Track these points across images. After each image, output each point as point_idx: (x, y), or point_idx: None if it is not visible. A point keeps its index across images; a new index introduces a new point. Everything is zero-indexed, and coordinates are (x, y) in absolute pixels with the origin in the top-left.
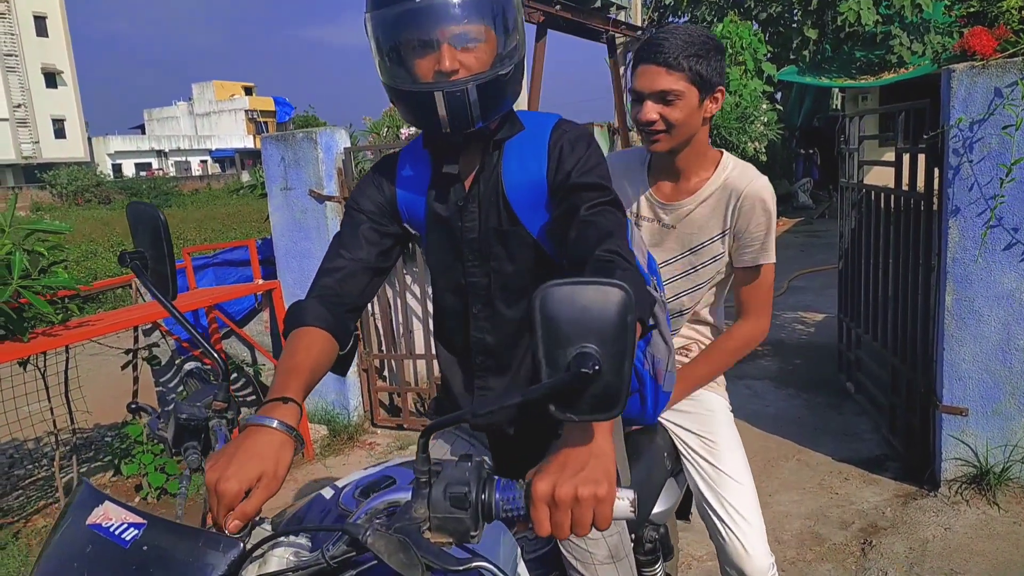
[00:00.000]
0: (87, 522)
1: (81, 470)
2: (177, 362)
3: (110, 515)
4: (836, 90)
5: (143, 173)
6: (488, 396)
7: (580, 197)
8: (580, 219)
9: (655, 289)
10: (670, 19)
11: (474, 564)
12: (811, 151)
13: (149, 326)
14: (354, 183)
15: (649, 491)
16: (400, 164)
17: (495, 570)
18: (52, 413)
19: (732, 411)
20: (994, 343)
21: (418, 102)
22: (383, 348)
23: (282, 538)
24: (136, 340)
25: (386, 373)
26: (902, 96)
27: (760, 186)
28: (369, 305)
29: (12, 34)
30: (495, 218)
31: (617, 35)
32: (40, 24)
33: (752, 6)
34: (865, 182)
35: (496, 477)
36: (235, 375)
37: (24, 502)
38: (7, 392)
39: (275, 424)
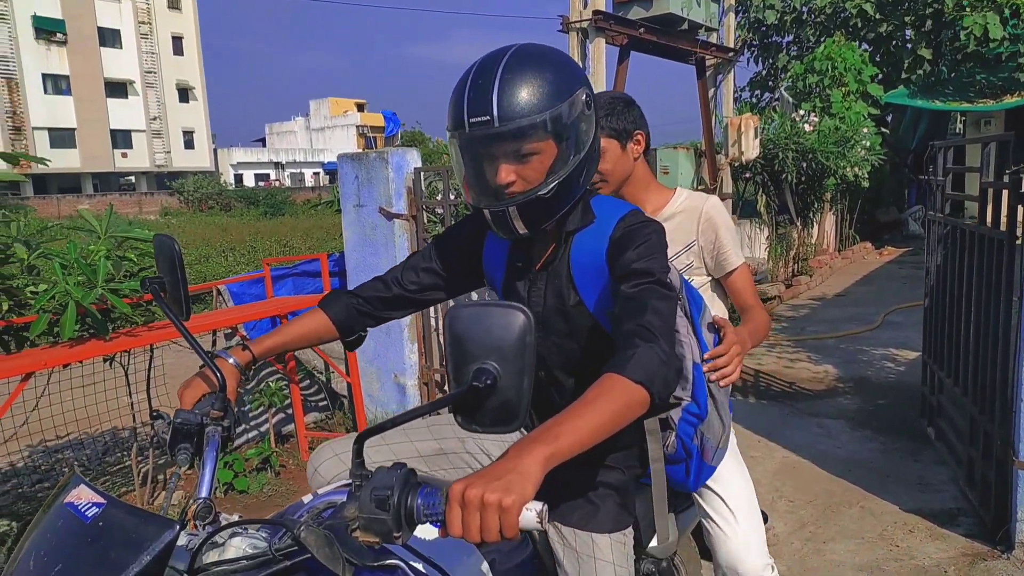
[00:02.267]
0: (64, 500)
1: (159, 462)
2: (254, 367)
3: (81, 495)
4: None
5: (261, 183)
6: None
7: (627, 280)
8: (622, 296)
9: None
10: (772, 38)
11: (388, 561)
12: (925, 177)
13: (229, 330)
14: (424, 203)
15: (646, 524)
16: None
17: (407, 569)
18: (132, 407)
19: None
20: None
21: (479, 213)
22: (444, 363)
23: (241, 529)
24: (214, 343)
25: (447, 387)
26: None
27: (711, 204)
28: (434, 320)
29: (153, 53)
30: (560, 297)
31: (708, 57)
32: (177, 44)
33: (860, 25)
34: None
35: (424, 485)
36: (307, 381)
37: (109, 487)
38: (109, 383)
39: (230, 360)
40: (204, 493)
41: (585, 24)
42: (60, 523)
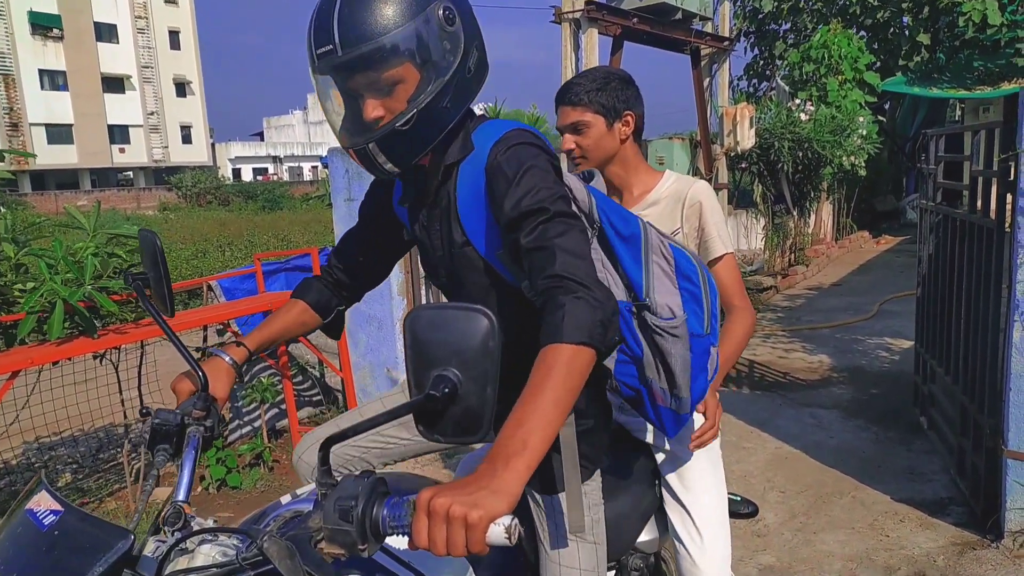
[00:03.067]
0: (26, 507)
1: (151, 459)
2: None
3: (40, 502)
4: (956, 101)
5: (259, 177)
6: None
7: (519, 229)
8: (523, 250)
9: (705, 308)
10: (770, 26)
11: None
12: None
13: (221, 326)
14: None
15: (634, 518)
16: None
17: None
18: (123, 404)
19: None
20: None
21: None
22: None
23: (212, 536)
24: (205, 339)
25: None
26: None
27: (699, 188)
28: None
29: (150, 47)
30: (457, 236)
31: (703, 47)
32: (174, 38)
33: (858, 12)
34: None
35: (391, 495)
36: (300, 376)
37: (102, 484)
38: (101, 380)
39: (226, 358)
40: (181, 496)
41: (578, 15)
42: (20, 530)
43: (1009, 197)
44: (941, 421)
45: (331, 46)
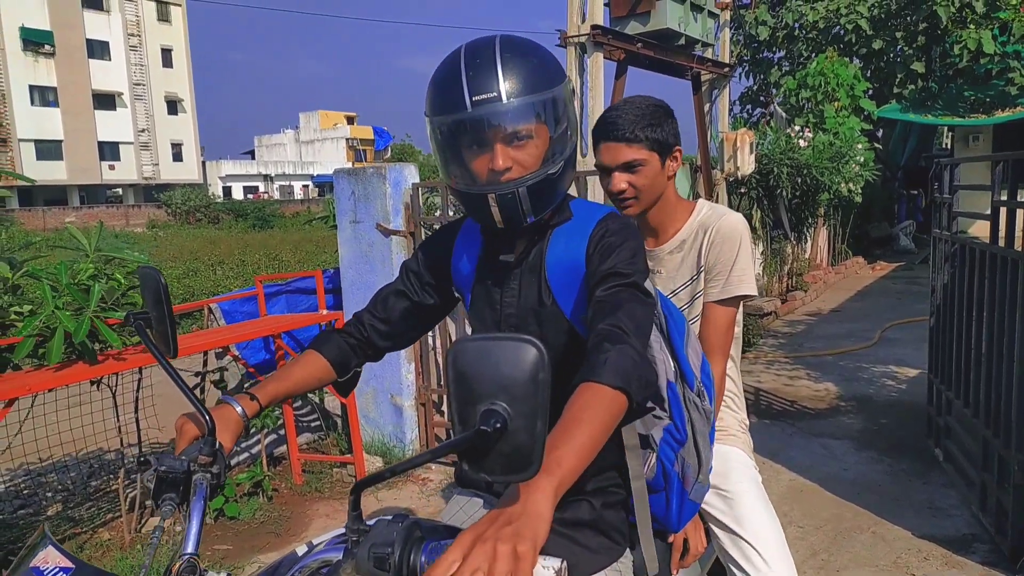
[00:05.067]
0: (31, 564)
1: (149, 485)
2: (246, 387)
3: (48, 559)
4: (945, 128)
5: (250, 196)
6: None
7: (600, 284)
8: (595, 300)
9: (699, 396)
10: (764, 54)
11: None
12: (915, 192)
13: (220, 350)
14: (421, 218)
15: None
16: (461, 231)
17: None
18: (120, 431)
19: (756, 468)
20: None
21: (474, 202)
22: (442, 383)
23: None
24: (205, 364)
25: (444, 408)
26: (1020, 138)
27: (731, 220)
28: (432, 339)
29: (142, 65)
30: (534, 297)
31: (703, 72)
32: (166, 56)
33: (853, 41)
34: (969, 232)
35: (428, 540)
36: (299, 401)
37: (95, 513)
38: (96, 404)
39: (237, 408)
40: (190, 549)
41: (583, 39)
42: None
43: None
44: (959, 454)
45: (495, 93)
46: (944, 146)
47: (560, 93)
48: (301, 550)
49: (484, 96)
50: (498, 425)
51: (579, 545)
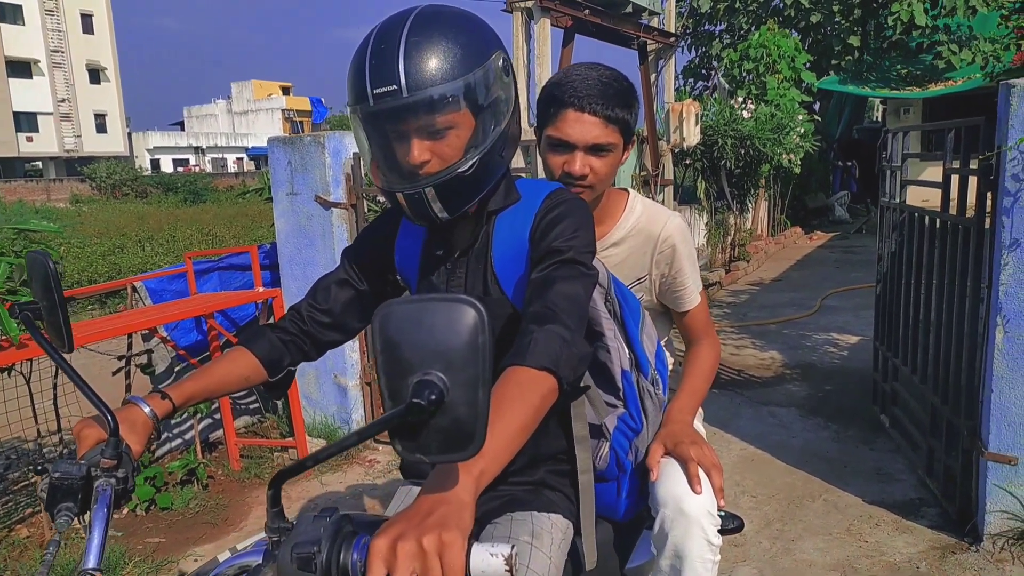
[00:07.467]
0: None
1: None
2: (177, 370)
3: None
4: (876, 101)
5: (180, 169)
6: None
7: (539, 263)
8: (531, 282)
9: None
10: (705, 27)
11: None
12: (849, 163)
13: (147, 332)
14: (363, 190)
15: (620, 542)
16: (404, 218)
17: None
18: (36, 421)
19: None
20: None
21: (391, 198)
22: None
23: None
24: (130, 347)
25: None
26: (949, 111)
27: (672, 228)
28: None
29: (59, 31)
30: (480, 286)
31: (649, 41)
32: (87, 22)
33: (792, 15)
34: (907, 202)
35: (360, 534)
36: None
37: (12, 508)
38: (11, 392)
39: (145, 408)
40: (92, 563)
41: (530, 4)
42: None
43: (990, 196)
44: (906, 420)
45: (395, 86)
46: (875, 119)
47: (481, 76)
48: (223, 556)
49: (384, 89)
50: (433, 397)
51: (520, 501)
